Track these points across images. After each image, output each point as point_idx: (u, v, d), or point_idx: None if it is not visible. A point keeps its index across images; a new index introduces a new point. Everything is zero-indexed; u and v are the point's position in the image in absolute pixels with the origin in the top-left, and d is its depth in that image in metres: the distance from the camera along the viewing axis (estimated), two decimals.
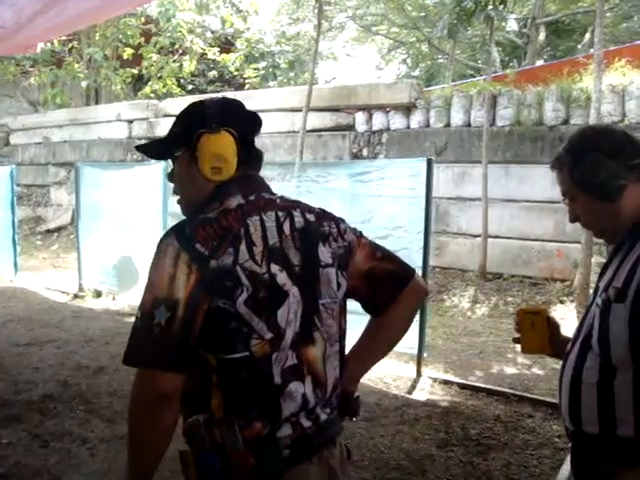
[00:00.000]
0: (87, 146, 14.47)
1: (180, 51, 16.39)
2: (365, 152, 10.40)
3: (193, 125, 1.64)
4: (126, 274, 8.41)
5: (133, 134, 13.64)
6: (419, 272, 5.48)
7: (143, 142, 1.79)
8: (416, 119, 9.79)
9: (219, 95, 1.54)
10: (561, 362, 1.82)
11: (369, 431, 4.51)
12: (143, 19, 15.89)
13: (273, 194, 1.70)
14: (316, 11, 10.98)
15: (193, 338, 1.46)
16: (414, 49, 23.36)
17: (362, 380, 5.30)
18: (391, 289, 1.76)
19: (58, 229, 14.60)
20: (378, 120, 10.19)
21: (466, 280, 9.00)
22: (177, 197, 1.76)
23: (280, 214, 1.63)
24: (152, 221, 7.83)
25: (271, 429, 1.51)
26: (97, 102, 17.47)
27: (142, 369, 1.48)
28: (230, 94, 13.08)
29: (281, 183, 9.89)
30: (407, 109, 9.86)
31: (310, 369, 1.58)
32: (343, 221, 1.77)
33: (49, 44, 14.19)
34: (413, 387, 5.50)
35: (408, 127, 9.91)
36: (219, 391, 1.51)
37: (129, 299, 8.16)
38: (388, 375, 5.76)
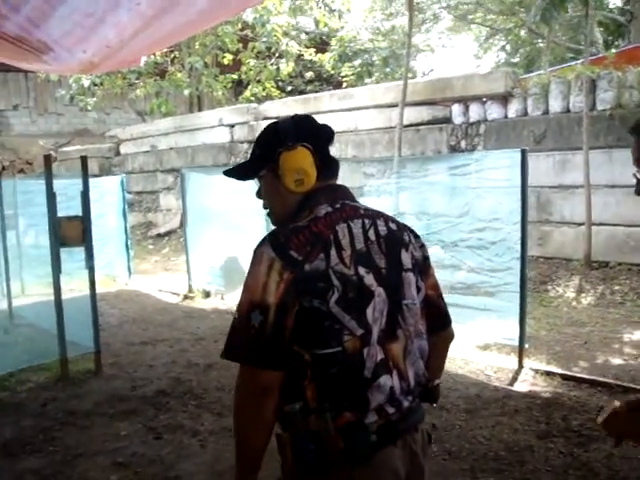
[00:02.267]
0: (192, 152, 15.01)
1: (277, 54, 16.73)
2: (463, 144, 10.31)
3: (272, 145, 1.79)
4: (232, 274, 8.72)
5: (235, 138, 14.04)
6: (518, 264, 5.49)
7: (235, 164, 1.95)
8: (513, 108, 9.63)
9: (293, 114, 1.70)
10: None
11: (469, 423, 4.55)
12: (240, 25, 16.29)
13: (357, 203, 1.83)
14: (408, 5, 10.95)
15: (285, 339, 1.61)
16: (512, 35, 22.85)
17: (463, 372, 5.38)
18: (436, 324, 1.91)
19: (168, 233, 15.20)
20: (475, 111, 10.09)
21: (570, 269, 8.80)
22: (267, 210, 1.92)
23: (366, 222, 1.76)
24: (255, 222, 8.07)
25: (360, 417, 1.63)
26: (200, 109, 18.07)
27: (242, 366, 1.65)
28: (328, 93, 13.28)
29: (381, 179, 10.02)
30: (504, 99, 9.72)
31: (395, 363, 1.70)
32: (419, 236, 1.91)
33: (152, 57, 14.81)
34: (514, 379, 5.48)
35: (505, 117, 9.77)
36: (313, 384, 1.63)
37: (236, 298, 8.44)
38: (489, 367, 5.77)
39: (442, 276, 6.90)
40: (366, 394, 1.64)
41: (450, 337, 2.00)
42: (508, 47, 25.27)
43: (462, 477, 3.77)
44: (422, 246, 1.89)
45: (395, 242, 1.79)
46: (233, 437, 1.74)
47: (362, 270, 1.67)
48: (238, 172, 1.95)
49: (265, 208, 1.92)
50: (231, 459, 1.77)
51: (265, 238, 1.69)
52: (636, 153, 1.68)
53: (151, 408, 5.01)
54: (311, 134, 1.81)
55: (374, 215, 1.80)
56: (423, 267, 1.86)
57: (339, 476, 1.63)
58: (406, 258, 1.79)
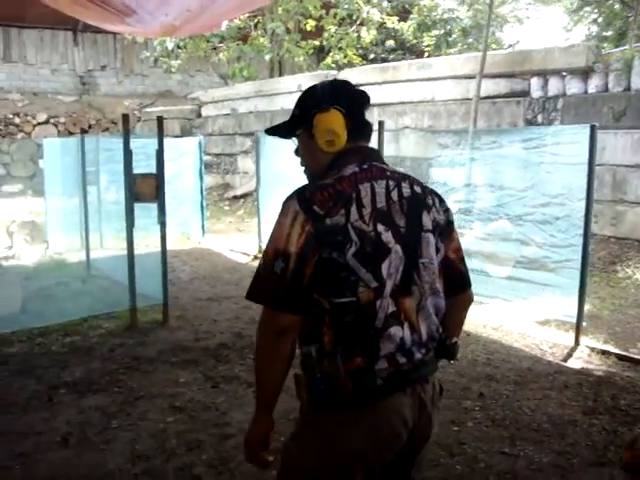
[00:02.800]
0: (271, 116, 15.16)
1: (358, 22, 16.69)
2: (540, 119, 10.14)
3: (308, 107, 1.93)
4: None
5: None
6: (580, 240, 5.47)
7: None
8: (593, 83, 9.41)
9: (334, 77, 1.84)
10: None
11: (516, 394, 4.61)
12: None
13: (386, 165, 1.95)
14: None
15: (303, 286, 1.74)
16: (604, 7, 22.02)
17: (518, 345, 5.43)
18: (455, 286, 2.00)
19: (244, 195, 15.51)
20: (554, 85, 9.90)
21: None
22: (303, 168, 2.05)
23: (391, 183, 1.87)
24: None
25: (370, 363, 1.76)
26: (281, 74, 18.25)
27: (265, 308, 1.79)
28: (407, 62, 13.23)
29: (455, 150, 9.98)
30: (584, 73, 9.50)
31: (407, 316, 1.81)
32: (444, 200, 2.01)
33: (234, 21, 15.04)
34: (569, 355, 5.48)
35: (585, 92, 9.55)
36: (330, 330, 1.77)
37: None
38: (545, 342, 5.78)
39: (508, 249, 6.91)
40: (377, 342, 1.76)
41: (469, 299, 2.09)
42: (600, 20, 24.37)
43: (501, 444, 3.85)
44: (447, 210, 1.99)
45: (417, 204, 1.89)
46: (254, 374, 1.89)
47: (381, 227, 1.79)
48: (278, 131, 2.07)
49: (302, 165, 2.05)
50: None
51: (294, 193, 1.82)
52: None
53: (211, 359, 5.27)
54: (346, 98, 1.93)
55: (400, 177, 1.91)
56: (446, 230, 1.96)
57: (348, 416, 1.77)
58: (427, 220, 1.89)
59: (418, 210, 1.88)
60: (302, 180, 2.00)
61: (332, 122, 1.87)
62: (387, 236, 1.80)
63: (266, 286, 1.77)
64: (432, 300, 1.89)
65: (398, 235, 1.81)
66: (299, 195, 1.80)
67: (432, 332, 1.89)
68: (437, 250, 1.92)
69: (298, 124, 1.98)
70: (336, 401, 1.76)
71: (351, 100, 1.94)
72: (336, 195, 1.78)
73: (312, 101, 1.93)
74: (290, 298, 1.74)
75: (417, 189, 1.92)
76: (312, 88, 2.00)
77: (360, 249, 1.75)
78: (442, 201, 1.99)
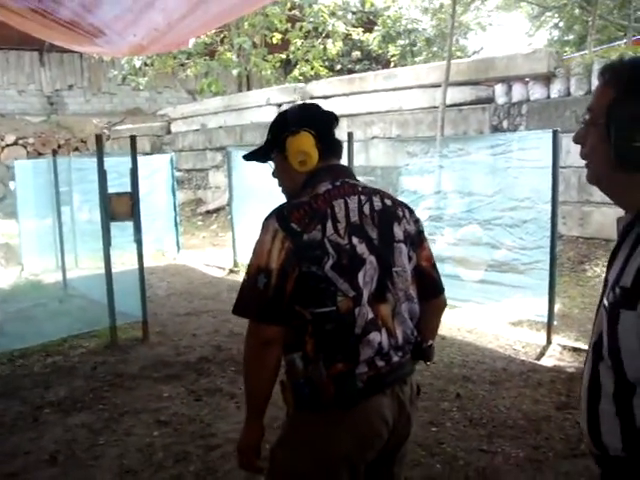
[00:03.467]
0: (240, 130, 15.29)
1: (324, 34, 16.89)
2: (505, 124, 10.35)
3: (280, 131, 2.06)
4: None
5: None
6: (548, 242, 5.63)
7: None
8: (556, 88, 9.63)
9: (301, 102, 2.02)
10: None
11: (492, 393, 4.76)
12: (289, 5, 16.48)
13: (357, 181, 2.08)
14: None
15: (285, 299, 1.86)
16: (564, 12, 22.46)
17: (492, 347, 5.57)
18: (428, 292, 2.12)
19: (217, 210, 15.57)
20: (517, 91, 10.12)
21: (609, 250, 8.81)
22: (281, 188, 2.18)
23: (362, 198, 2.00)
24: None
25: (351, 368, 1.88)
26: (249, 88, 18.38)
27: (250, 321, 1.91)
28: (373, 73, 13.42)
29: (424, 158, 10.16)
30: (546, 78, 9.73)
31: (383, 322, 1.93)
32: (414, 212, 2.14)
33: (201, 37, 15.15)
34: (542, 354, 5.65)
35: (548, 97, 9.78)
36: (312, 338, 1.88)
37: None
38: (518, 342, 5.94)
39: (479, 254, 7.06)
40: (357, 348, 1.87)
41: (443, 304, 2.21)
42: (561, 24, 24.83)
43: (479, 442, 3.98)
44: (417, 221, 2.12)
45: (388, 216, 2.02)
46: (243, 384, 2.01)
47: (355, 240, 1.91)
48: (255, 155, 2.21)
49: (279, 186, 2.18)
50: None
51: (273, 212, 1.94)
52: (592, 101, 1.44)
53: (193, 373, 5.35)
54: (314, 119, 2.06)
55: (371, 192, 2.03)
56: (417, 240, 2.09)
57: (332, 418, 1.88)
58: (398, 231, 2.02)
59: (389, 222, 2.01)
60: (274, 193, 2.12)
61: (303, 143, 2.00)
62: (361, 248, 1.92)
63: (250, 301, 1.88)
64: (406, 306, 2.01)
65: (372, 246, 1.93)
66: (278, 214, 1.92)
67: (408, 336, 2.01)
68: (409, 259, 2.04)
69: (272, 148, 2.12)
70: (320, 404, 1.87)
71: (319, 121, 2.07)
72: (312, 212, 1.90)
73: (283, 125, 2.06)
74: (273, 311, 1.86)
75: (388, 202, 2.04)
76: (283, 113, 2.14)
77: (337, 261, 1.86)
78: (412, 212, 2.12)
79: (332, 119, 2.12)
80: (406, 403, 1.99)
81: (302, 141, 2.00)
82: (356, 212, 1.95)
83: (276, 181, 2.18)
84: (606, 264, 1.54)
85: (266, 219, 1.93)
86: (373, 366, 1.90)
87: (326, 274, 1.85)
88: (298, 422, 1.96)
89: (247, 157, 2.23)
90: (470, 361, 5.48)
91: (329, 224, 1.89)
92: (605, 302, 1.37)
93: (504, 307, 6.51)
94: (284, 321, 1.88)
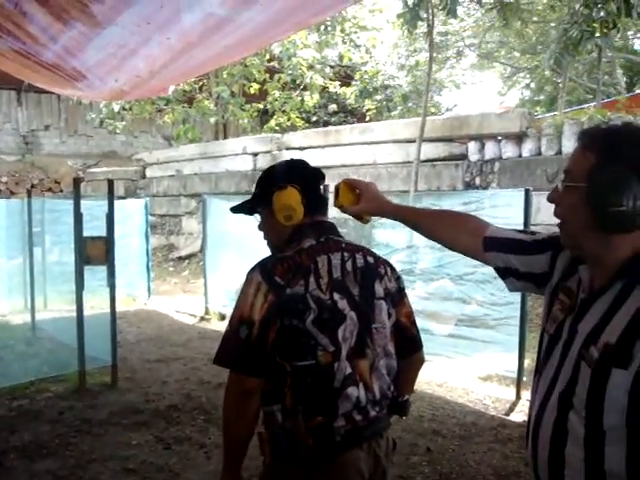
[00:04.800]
0: (215, 178, 15.36)
1: (302, 86, 17.16)
2: (478, 181, 10.57)
3: (267, 186, 2.12)
4: None
5: (258, 166, 14.35)
6: (518, 298, 5.70)
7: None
8: (527, 147, 9.89)
9: (289, 158, 2.08)
10: (531, 412, 1.63)
11: (462, 447, 4.78)
12: (268, 56, 16.76)
13: (341, 237, 2.14)
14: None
15: (266, 350, 1.89)
16: (536, 73, 23.16)
17: (463, 401, 5.60)
18: (407, 348, 2.17)
19: (189, 256, 15.52)
20: (490, 149, 10.36)
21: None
22: (266, 241, 2.23)
23: (345, 254, 2.06)
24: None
25: (329, 421, 1.90)
26: (225, 136, 18.51)
27: (231, 372, 1.93)
28: (349, 126, 13.64)
29: None
30: (518, 138, 9.99)
31: (361, 377, 1.97)
32: (395, 269, 2.20)
33: (180, 85, 15.31)
34: (512, 409, 5.69)
35: (520, 156, 10.02)
36: (291, 390, 1.91)
37: None
38: (488, 397, 5.98)
39: (450, 308, 7.13)
40: (336, 401, 1.91)
41: (421, 360, 2.25)
42: (533, 85, 25.57)
43: None
44: (398, 278, 2.18)
45: (370, 273, 2.07)
46: (222, 433, 2.02)
47: (337, 296, 1.96)
48: (242, 209, 2.26)
49: (265, 239, 2.23)
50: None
51: (257, 265, 1.99)
52: (570, 164, 1.51)
53: (162, 421, 5.30)
54: (300, 176, 2.12)
55: (354, 249, 2.10)
56: (397, 296, 2.14)
57: (309, 470, 1.90)
58: (379, 288, 2.07)
59: (371, 279, 2.06)
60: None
61: (289, 198, 2.05)
62: (342, 304, 1.96)
63: (232, 351, 1.92)
64: (385, 361, 2.05)
65: (353, 302, 1.98)
66: (262, 267, 1.96)
67: (385, 391, 2.04)
68: (389, 315, 2.09)
69: (259, 202, 2.17)
70: (297, 457, 1.89)
71: (306, 177, 2.14)
72: (295, 267, 1.94)
73: (270, 180, 2.13)
74: (254, 362, 1.88)
75: (370, 260, 2.10)
76: (270, 169, 2.21)
77: (318, 316, 1.90)
78: (393, 270, 2.18)
79: (318, 176, 2.18)
80: (382, 457, 2.02)
81: (288, 196, 2.05)
82: (338, 268, 2.00)
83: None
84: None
85: (250, 272, 1.97)
86: (351, 420, 1.92)
87: (307, 328, 1.89)
88: (275, 474, 1.97)
89: (234, 209, 2.27)
90: (440, 415, 5.50)
91: (312, 279, 1.93)
92: (587, 355, 1.42)
93: (474, 362, 6.56)
94: (265, 373, 1.90)
